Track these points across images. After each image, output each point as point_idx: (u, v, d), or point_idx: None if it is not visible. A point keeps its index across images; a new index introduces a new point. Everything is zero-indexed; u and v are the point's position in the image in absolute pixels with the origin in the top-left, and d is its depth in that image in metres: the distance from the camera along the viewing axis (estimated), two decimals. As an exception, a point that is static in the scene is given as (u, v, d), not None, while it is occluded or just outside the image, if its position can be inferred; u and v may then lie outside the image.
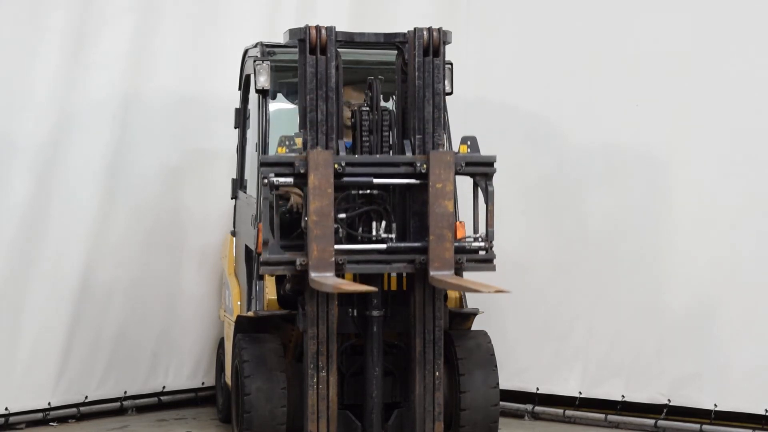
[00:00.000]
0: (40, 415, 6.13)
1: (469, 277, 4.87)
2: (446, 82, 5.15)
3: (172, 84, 6.57)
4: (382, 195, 4.91)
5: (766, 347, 5.84)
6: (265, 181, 4.65)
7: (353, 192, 4.89)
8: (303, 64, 4.84)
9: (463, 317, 5.23)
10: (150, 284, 6.56)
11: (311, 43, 4.79)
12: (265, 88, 5.38)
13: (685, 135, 6.07)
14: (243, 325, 5.28)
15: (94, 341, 6.29)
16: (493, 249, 4.87)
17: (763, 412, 5.83)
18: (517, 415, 6.45)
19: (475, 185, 4.89)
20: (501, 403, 5.25)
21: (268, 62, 5.37)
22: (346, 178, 4.75)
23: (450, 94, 5.47)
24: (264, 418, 4.89)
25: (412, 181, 4.83)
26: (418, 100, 4.89)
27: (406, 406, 5.01)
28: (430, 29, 4.88)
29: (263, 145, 5.46)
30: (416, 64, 4.87)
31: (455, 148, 4.99)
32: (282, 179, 4.66)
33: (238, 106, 6.21)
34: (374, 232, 4.87)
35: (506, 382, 5.65)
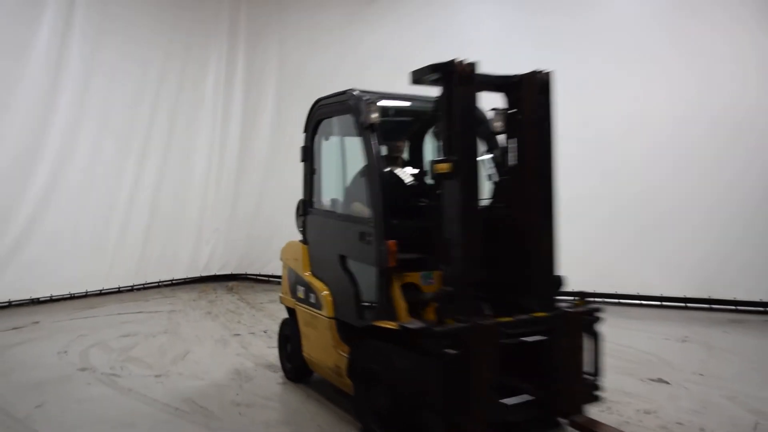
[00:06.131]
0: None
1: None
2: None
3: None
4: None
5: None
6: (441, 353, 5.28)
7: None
8: (448, 94, 5.56)
9: None
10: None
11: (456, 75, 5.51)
12: (374, 123, 6.04)
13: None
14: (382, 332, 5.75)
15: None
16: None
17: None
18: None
19: (586, 329, 5.97)
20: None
21: (377, 103, 6.06)
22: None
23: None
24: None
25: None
26: (532, 128, 5.90)
27: None
28: (541, 72, 5.91)
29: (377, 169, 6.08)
30: (529, 100, 5.89)
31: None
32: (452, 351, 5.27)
33: (303, 144, 6.91)
34: None
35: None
